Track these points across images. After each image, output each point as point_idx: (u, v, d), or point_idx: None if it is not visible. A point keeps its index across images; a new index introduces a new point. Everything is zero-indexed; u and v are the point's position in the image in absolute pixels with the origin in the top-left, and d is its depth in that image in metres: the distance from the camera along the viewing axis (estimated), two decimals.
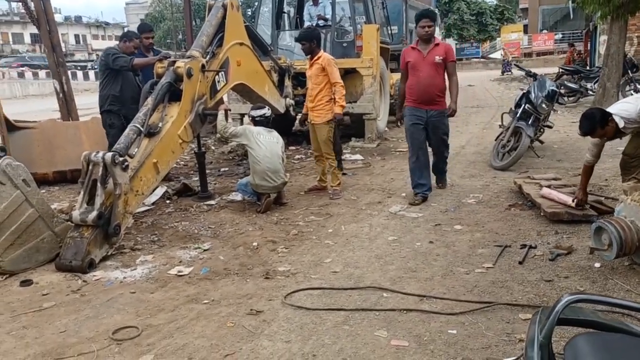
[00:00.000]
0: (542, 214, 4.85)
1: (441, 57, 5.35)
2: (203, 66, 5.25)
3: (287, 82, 7.89)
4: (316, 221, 5.15)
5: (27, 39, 57.04)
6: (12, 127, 6.87)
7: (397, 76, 12.21)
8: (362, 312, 3.25)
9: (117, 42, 6.51)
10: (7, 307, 3.53)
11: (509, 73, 27.73)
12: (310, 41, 5.85)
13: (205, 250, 4.47)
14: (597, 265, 3.76)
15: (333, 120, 5.95)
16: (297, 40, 6.17)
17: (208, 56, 5.47)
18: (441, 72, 5.42)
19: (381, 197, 5.96)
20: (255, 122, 5.68)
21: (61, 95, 8.30)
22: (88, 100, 7.27)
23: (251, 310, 3.33)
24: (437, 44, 5.42)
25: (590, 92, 13.93)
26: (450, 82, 5.49)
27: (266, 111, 5.74)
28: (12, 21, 57.16)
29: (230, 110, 6.07)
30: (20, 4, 9.46)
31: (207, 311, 3.36)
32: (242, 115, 9.75)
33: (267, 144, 5.39)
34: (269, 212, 5.46)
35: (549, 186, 5.28)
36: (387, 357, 2.76)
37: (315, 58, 5.87)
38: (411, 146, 5.65)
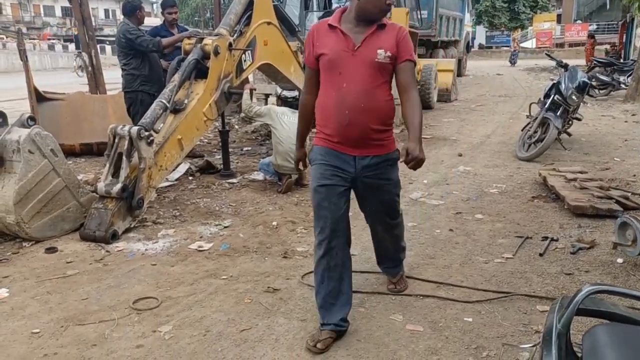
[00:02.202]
0: (565, 206, 4.77)
1: (388, 53, 2.65)
2: (230, 44, 5.25)
3: None
4: None
5: (58, 12, 57.66)
6: (41, 97, 7.00)
7: (424, 62, 12.15)
8: (378, 296, 3.26)
9: (123, 17, 6.23)
10: (32, 272, 3.64)
11: (512, 65, 27.19)
12: None
13: (225, 227, 4.52)
14: (620, 260, 3.70)
15: None
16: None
17: (235, 35, 5.47)
18: (387, 81, 2.74)
19: (402, 182, 5.86)
20: (285, 102, 5.69)
21: (90, 68, 8.40)
22: (116, 74, 7.34)
23: (268, 287, 3.36)
24: (383, 26, 2.70)
25: (623, 86, 13.57)
26: (405, 101, 2.73)
27: (297, 93, 5.75)
28: None
29: (255, 89, 6.06)
30: None
31: (225, 286, 3.40)
32: (267, 95, 9.75)
33: (290, 125, 5.40)
34: (289, 192, 5.48)
35: (574, 179, 5.20)
36: (401, 340, 2.77)
37: None
38: (320, 228, 2.85)
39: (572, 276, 3.50)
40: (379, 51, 2.61)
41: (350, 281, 2.90)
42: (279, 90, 5.78)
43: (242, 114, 7.41)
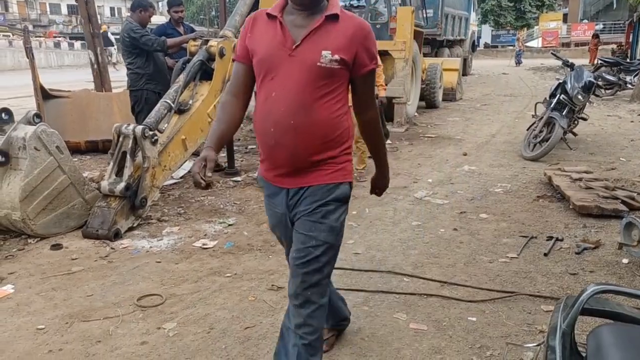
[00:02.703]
0: (571, 206, 4.76)
1: (336, 56, 1.96)
2: (235, 46, 5.25)
3: None
4: None
5: (64, 9, 57.81)
6: (47, 95, 7.03)
7: (430, 60, 12.12)
8: (382, 295, 3.26)
9: (130, 13, 6.18)
10: (37, 269, 3.65)
11: (517, 65, 26.96)
12: None
13: (230, 225, 4.53)
14: (625, 261, 3.69)
15: (379, 104, 5.89)
16: None
17: None
18: (334, 92, 2.03)
19: (407, 181, 5.92)
20: None
21: (95, 66, 8.42)
22: (121, 72, 7.35)
23: (272, 285, 3.37)
24: (336, 18, 2.01)
25: (630, 86, 13.52)
26: (364, 124, 2.23)
27: None
28: None
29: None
30: None
31: (229, 284, 3.41)
32: None
33: None
34: None
35: (580, 179, 5.18)
36: (405, 339, 2.77)
37: None
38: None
39: (576, 276, 3.49)
40: (323, 52, 1.91)
41: (335, 297, 2.63)
42: None
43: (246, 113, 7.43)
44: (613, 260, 3.72)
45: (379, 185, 2.43)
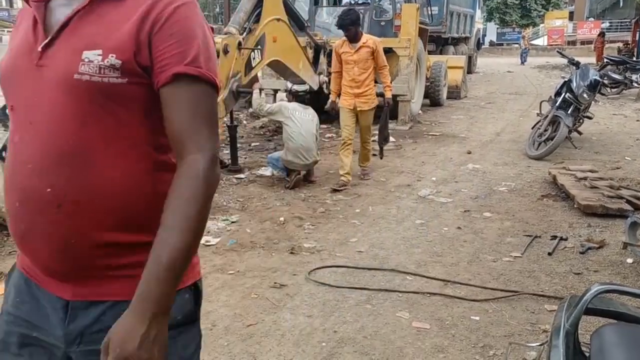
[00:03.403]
0: (575, 206, 4.74)
1: (112, 56, 1.01)
2: (239, 43, 5.25)
3: (322, 59, 7.82)
4: (344, 200, 5.15)
5: None
6: None
7: (434, 58, 12.09)
8: (385, 293, 3.25)
9: None
10: None
11: (523, 63, 26.75)
12: (355, 24, 5.41)
13: (233, 222, 4.53)
14: (630, 261, 3.67)
15: (386, 105, 5.83)
16: (340, 26, 5.49)
17: (245, 32, 5.46)
18: (130, 127, 1.06)
19: (410, 180, 5.91)
20: (296, 97, 5.71)
21: None
22: None
23: (275, 283, 3.37)
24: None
25: (636, 85, 13.44)
26: (176, 178, 1.03)
27: (307, 86, 5.77)
28: None
29: (263, 89, 6.06)
30: None
31: (232, 281, 3.41)
32: (276, 90, 9.75)
33: (302, 122, 5.39)
34: (297, 188, 5.48)
35: (584, 178, 5.15)
36: (407, 338, 2.76)
37: (363, 41, 5.46)
38: None
39: (580, 276, 3.47)
40: (85, 54, 1.02)
41: None
42: (290, 85, 5.80)
43: (251, 110, 7.42)
44: (617, 260, 3.70)
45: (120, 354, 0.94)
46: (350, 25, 5.37)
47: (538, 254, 3.83)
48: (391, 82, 8.83)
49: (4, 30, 37.88)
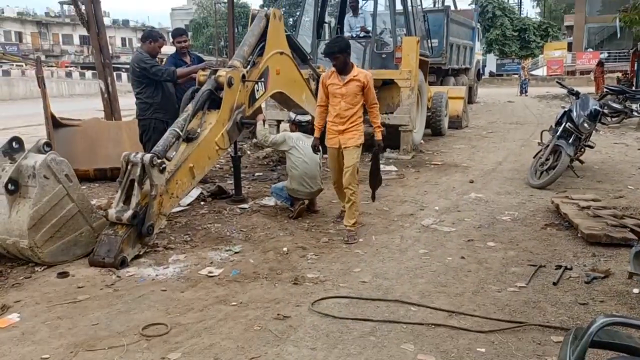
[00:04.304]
0: (579, 235, 4.72)
1: None
2: (244, 76, 5.33)
3: None
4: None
5: (76, 40, 58.98)
6: (57, 124, 7.13)
7: (435, 89, 12.23)
8: (389, 324, 3.22)
9: (140, 44, 6.27)
10: (43, 297, 3.65)
11: (526, 94, 26.75)
12: (344, 52, 4.83)
13: (236, 252, 4.52)
14: (636, 291, 3.64)
15: (376, 147, 5.20)
16: (326, 54, 5.03)
17: (249, 65, 5.56)
18: None
19: (413, 209, 5.91)
20: (299, 127, 5.74)
21: (106, 95, 8.55)
22: (131, 101, 7.44)
23: (278, 314, 3.34)
24: None
25: (636, 114, 13.54)
26: None
27: (310, 117, 5.80)
28: (63, 23, 59.27)
29: (266, 120, 6.08)
30: (72, 6, 9.81)
31: (235, 313, 3.39)
32: (279, 121, 9.86)
33: (306, 150, 5.42)
34: (300, 218, 5.48)
35: (588, 207, 5.14)
36: None
37: (354, 74, 4.87)
38: None
39: (586, 306, 3.44)
40: None
41: None
42: (293, 115, 5.86)
43: (254, 140, 7.47)
44: (623, 290, 3.67)
45: None
46: (338, 53, 4.81)
47: (543, 284, 3.81)
48: (393, 113, 9.09)
49: (12, 64, 38.44)
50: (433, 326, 3.19)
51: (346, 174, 4.94)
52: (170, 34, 6.86)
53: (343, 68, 4.86)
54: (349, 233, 4.91)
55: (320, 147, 5.23)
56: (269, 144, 5.58)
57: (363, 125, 5.05)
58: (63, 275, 4.00)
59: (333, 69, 4.94)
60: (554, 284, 3.78)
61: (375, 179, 5.40)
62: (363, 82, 4.85)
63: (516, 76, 39.69)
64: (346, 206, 5.01)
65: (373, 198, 5.61)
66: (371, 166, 5.37)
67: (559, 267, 4.08)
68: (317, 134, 5.16)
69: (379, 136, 5.07)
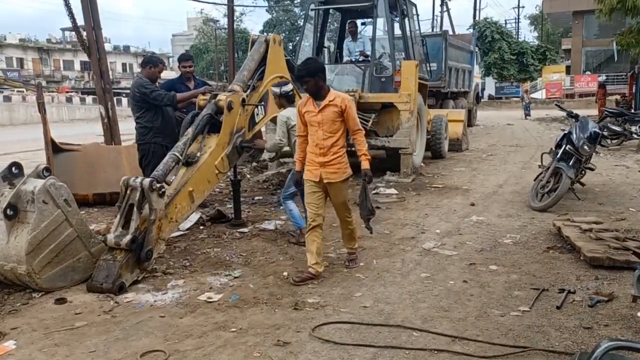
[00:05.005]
0: (582, 258, 4.68)
1: None
2: (243, 100, 5.37)
3: None
4: None
5: (77, 66, 59.61)
6: (57, 148, 7.14)
7: (435, 112, 12.30)
8: (392, 350, 3.17)
9: (140, 69, 6.31)
10: (40, 324, 3.60)
11: (529, 117, 26.78)
12: (314, 76, 4.33)
13: (235, 277, 4.48)
14: None
15: (363, 178, 4.54)
16: (297, 77, 4.76)
17: (249, 90, 5.59)
18: None
19: (415, 232, 5.88)
20: (287, 97, 5.42)
21: (106, 120, 8.60)
22: (131, 125, 7.47)
23: (278, 341, 3.29)
24: None
25: (635, 136, 13.58)
26: None
27: (292, 85, 5.53)
28: (64, 49, 59.99)
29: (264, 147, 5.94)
30: (73, 33, 9.93)
31: (234, 339, 3.34)
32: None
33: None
34: (300, 244, 5.44)
35: (590, 229, 5.11)
36: None
37: (328, 99, 4.38)
38: None
39: (591, 330, 3.39)
40: None
41: None
42: (277, 89, 5.45)
43: (268, 155, 7.37)
44: (628, 313, 3.62)
45: None
46: (307, 77, 4.35)
47: (546, 308, 3.76)
48: (393, 136, 9.12)
49: (13, 90, 38.78)
50: (436, 352, 3.14)
51: (339, 210, 4.65)
52: (177, 58, 6.94)
53: (317, 93, 4.40)
54: (350, 256, 4.78)
55: (302, 182, 4.69)
56: (281, 139, 5.25)
57: (345, 157, 4.53)
58: (61, 301, 3.96)
59: (308, 95, 4.52)
60: (558, 307, 3.73)
61: (365, 210, 4.74)
62: (340, 107, 4.36)
63: (516, 99, 40.03)
64: (344, 233, 4.77)
65: (369, 230, 4.96)
66: (360, 197, 4.76)
67: (562, 290, 4.03)
68: (298, 167, 4.72)
69: (365, 165, 4.47)
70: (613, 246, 4.71)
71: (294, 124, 5.02)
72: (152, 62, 6.17)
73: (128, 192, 4.36)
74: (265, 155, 5.44)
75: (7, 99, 34.33)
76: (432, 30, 37.54)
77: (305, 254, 4.55)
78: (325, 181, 4.47)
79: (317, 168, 4.47)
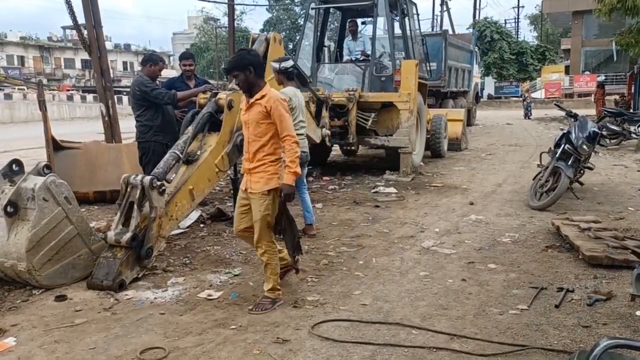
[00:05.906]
0: (580, 257, 4.70)
1: None
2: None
3: (324, 113, 8.00)
4: (347, 252, 5.12)
5: (78, 64, 59.58)
6: (58, 146, 7.15)
7: (434, 112, 12.32)
8: (390, 348, 3.18)
9: (141, 67, 6.30)
10: (40, 321, 3.61)
11: (530, 117, 26.69)
12: (244, 69, 3.68)
13: (235, 275, 4.49)
14: (639, 313, 3.60)
15: (277, 191, 3.77)
16: (226, 71, 4.31)
17: None
18: None
19: (414, 231, 5.89)
20: (286, 73, 5.25)
21: (106, 118, 8.60)
22: (131, 124, 7.48)
23: (278, 338, 3.30)
24: None
25: (634, 136, 13.61)
26: None
27: (291, 62, 5.43)
28: (65, 47, 59.95)
29: None
30: (74, 31, 9.94)
31: (234, 337, 3.35)
32: None
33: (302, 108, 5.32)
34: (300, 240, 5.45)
35: (588, 228, 5.13)
36: None
37: (256, 97, 3.71)
38: None
39: (589, 329, 3.40)
40: None
41: None
42: (276, 65, 5.24)
43: None
44: (626, 312, 3.64)
45: None
46: (235, 70, 3.73)
47: (545, 307, 3.77)
48: (393, 135, 9.13)
49: (14, 88, 38.73)
50: (434, 350, 3.15)
51: (255, 229, 3.80)
52: (177, 56, 6.96)
53: (248, 89, 3.74)
54: (261, 299, 3.82)
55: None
56: (295, 118, 5.09)
57: (279, 166, 3.80)
58: (61, 298, 3.97)
59: None
60: (556, 306, 3.75)
61: (279, 227, 3.85)
62: (265, 107, 3.66)
63: (515, 99, 40.01)
64: (266, 271, 3.87)
65: (296, 270, 4.19)
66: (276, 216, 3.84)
67: (560, 289, 4.05)
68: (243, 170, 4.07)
69: (287, 179, 3.70)
70: (612, 245, 4.73)
71: (295, 106, 4.81)
72: (152, 61, 6.17)
73: (128, 189, 4.37)
74: None
75: (8, 96, 34.28)
76: (432, 29, 37.59)
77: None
78: (248, 190, 3.86)
79: (246, 175, 3.91)
